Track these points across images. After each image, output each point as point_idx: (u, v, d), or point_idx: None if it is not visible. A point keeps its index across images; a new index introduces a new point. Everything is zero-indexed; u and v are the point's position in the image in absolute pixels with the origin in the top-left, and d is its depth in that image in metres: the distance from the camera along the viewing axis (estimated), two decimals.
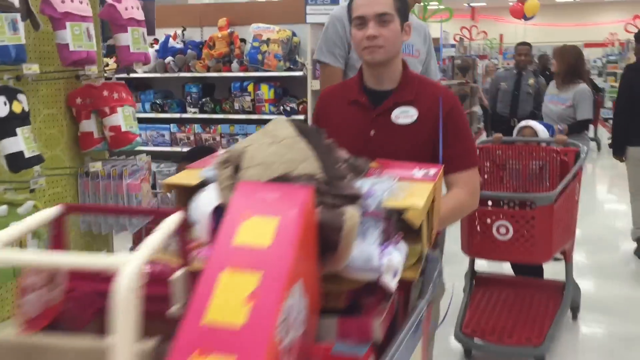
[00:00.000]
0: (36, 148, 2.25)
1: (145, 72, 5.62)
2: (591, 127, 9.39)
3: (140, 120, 5.75)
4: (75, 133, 2.67)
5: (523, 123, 3.93)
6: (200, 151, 2.73)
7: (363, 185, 1.21)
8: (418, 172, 1.44)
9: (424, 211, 1.25)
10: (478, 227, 2.95)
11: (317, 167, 1.16)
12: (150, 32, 2.77)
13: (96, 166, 2.61)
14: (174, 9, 6.38)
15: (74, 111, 2.64)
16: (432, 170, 1.46)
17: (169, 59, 5.57)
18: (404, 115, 1.81)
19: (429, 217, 1.38)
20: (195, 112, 5.60)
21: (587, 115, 4.73)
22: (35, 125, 2.49)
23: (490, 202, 3.18)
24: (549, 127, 3.96)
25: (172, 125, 5.72)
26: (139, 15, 2.64)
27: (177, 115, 5.68)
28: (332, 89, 2.05)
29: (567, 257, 3.30)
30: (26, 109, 2.22)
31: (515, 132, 3.92)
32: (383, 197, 1.19)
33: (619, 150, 4.88)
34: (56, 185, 2.63)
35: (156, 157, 5.75)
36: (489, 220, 2.90)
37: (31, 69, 2.18)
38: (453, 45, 11.66)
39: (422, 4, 10.61)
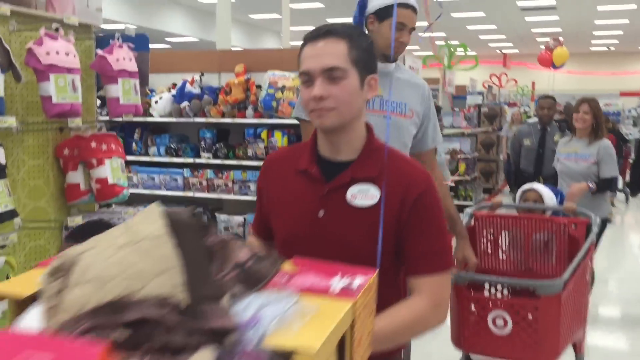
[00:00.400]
0: (11, 202, 2.19)
1: (161, 116, 5.64)
2: (619, 177, 9.13)
3: (155, 164, 5.82)
4: (62, 184, 2.62)
5: (527, 186, 3.52)
6: (91, 228, 2.15)
7: (249, 306, 0.89)
8: (338, 283, 1.09)
9: (324, 353, 0.90)
10: (471, 317, 2.55)
11: (179, 282, 0.85)
12: (144, 82, 2.72)
13: (76, 220, 2.54)
14: (193, 55, 6.42)
15: (62, 162, 2.59)
16: (359, 280, 1.11)
17: (185, 103, 5.57)
18: (363, 195, 1.45)
19: (344, 350, 1.05)
20: (208, 158, 5.56)
21: (614, 172, 4.41)
22: (19, 176, 2.44)
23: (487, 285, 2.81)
24: (557, 193, 3.56)
25: (185, 169, 5.68)
26: (131, 66, 2.60)
27: (191, 160, 5.65)
28: (279, 154, 1.68)
29: (578, 349, 2.86)
30: (2, 162, 2.17)
31: (517, 196, 3.52)
32: (269, 328, 0.86)
33: (636, 190, 4.99)
34: (38, 238, 2.56)
35: (169, 201, 5.73)
36: (483, 310, 2.50)
37: (7, 122, 2.13)
38: (480, 93, 11.53)
39: (449, 50, 10.57)
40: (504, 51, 23.83)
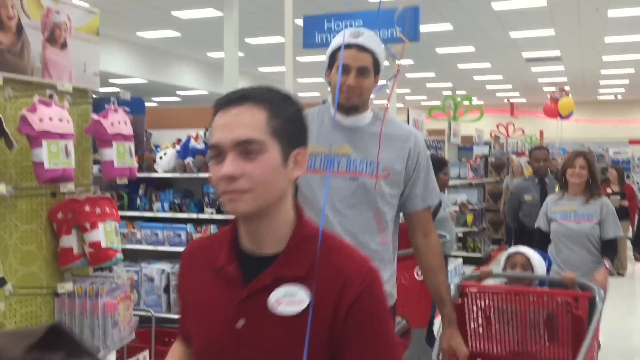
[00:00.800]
0: None
1: (166, 171, 5.67)
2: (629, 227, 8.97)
3: (159, 220, 5.81)
4: (54, 249, 2.59)
5: (512, 249, 3.23)
6: None
7: None
8: None
9: None
10: None
11: None
12: (139, 145, 2.73)
13: (66, 287, 2.50)
14: (198, 111, 6.51)
15: (55, 226, 2.57)
16: None
17: (189, 159, 5.59)
18: (288, 300, 1.17)
19: None
20: (212, 213, 5.54)
21: (619, 231, 4.07)
22: (11, 242, 2.42)
23: None
24: (544, 257, 3.27)
25: (189, 225, 5.66)
26: (127, 130, 2.61)
27: (194, 216, 5.64)
28: (197, 245, 1.37)
29: None
30: None
31: (503, 259, 3.24)
32: None
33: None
34: (30, 304, 2.52)
35: (172, 257, 5.70)
36: None
37: None
38: (487, 143, 11.55)
39: (454, 101, 10.63)
40: (511, 100, 23.99)
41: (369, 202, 2.17)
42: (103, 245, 2.56)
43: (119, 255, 2.62)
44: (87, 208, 2.56)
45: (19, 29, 2.34)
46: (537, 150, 5.98)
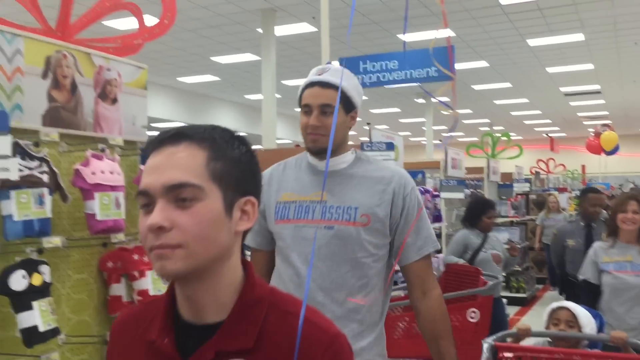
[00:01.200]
0: (53, 321, 2.22)
1: None
2: None
3: None
4: (104, 298, 2.65)
5: (556, 304, 2.92)
6: None
7: None
8: None
9: None
10: None
11: None
12: None
13: None
14: None
15: (105, 275, 2.64)
16: None
17: None
18: None
19: None
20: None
21: None
22: (64, 291, 2.49)
23: None
24: (594, 315, 2.95)
25: None
26: None
27: None
28: (130, 314, 1.13)
29: None
30: (47, 280, 2.22)
31: (546, 314, 2.95)
32: None
33: None
34: (81, 352, 2.57)
35: None
36: None
37: (53, 242, 2.21)
38: (527, 180, 11.40)
39: (493, 139, 10.57)
40: (551, 135, 23.70)
41: (347, 254, 1.92)
42: (151, 292, 2.61)
43: None
44: (135, 257, 2.62)
45: (73, 87, 2.45)
46: (594, 192, 5.39)
